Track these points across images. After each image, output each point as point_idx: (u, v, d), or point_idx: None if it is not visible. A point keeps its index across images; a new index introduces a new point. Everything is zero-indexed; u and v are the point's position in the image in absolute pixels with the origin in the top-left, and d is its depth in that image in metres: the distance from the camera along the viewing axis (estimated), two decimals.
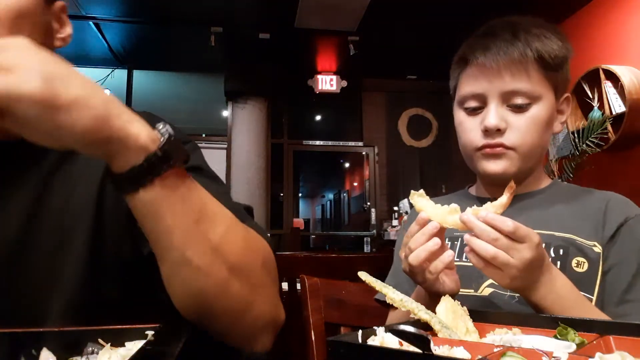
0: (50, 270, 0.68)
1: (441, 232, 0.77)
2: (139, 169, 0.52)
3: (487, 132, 0.92)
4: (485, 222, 0.71)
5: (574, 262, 0.87)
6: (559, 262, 0.87)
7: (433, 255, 0.76)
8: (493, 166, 0.93)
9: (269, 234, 0.72)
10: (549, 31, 0.94)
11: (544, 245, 0.88)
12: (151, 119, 0.56)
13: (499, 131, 0.91)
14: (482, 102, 0.94)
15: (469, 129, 0.96)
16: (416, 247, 0.76)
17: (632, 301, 0.82)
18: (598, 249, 0.88)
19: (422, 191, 0.81)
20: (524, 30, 0.92)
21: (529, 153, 0.93)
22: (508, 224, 0.70)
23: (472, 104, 0.95)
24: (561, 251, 0.88)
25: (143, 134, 0.53)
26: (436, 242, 0.75)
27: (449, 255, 0.76)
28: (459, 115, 0.99)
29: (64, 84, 0.47)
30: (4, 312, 0.67)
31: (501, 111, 0.92)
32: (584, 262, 0.87)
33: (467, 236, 0.74)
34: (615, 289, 0.84)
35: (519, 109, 0.91)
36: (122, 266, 0.72)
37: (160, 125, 0.55)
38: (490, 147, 0.93)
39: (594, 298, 0.85)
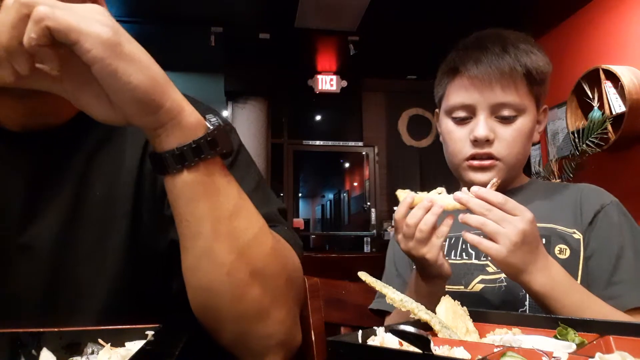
0: (92, 262, 0.68)
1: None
2: (187, 147, 0.54)
3: (477, 142, 0.95)
4: (478, 196, 0.76)
5: (556, 250, 0.91)
6: None
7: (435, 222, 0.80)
8: (480, 177, 0.97)
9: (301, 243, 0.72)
10: (534, 47, 0.99)
11: None
12: (195, 104, 0.59)
13: (488, 141, 0.95)
14: (471, 113, 0.97)
15: (458, 139, 0.99)
16: (416, 221, 0.79)
17: (620, 282, 0.86)
18: (578, 235, 0.92)
19: (407, 190, 0.86)
20: (512, 45, 0.96)
21: (514, 163, 0.98)
22: (499, 197, 0.75)
23: (461, 114, 0.98)
24: (544, 240, 0.92)
25: (194, 115, 0.56)
26: (440, 205, 0.80)
27: (449, 221, 0.81)
28: (447, 124, 1.02)
29: (129, 41, 0.51)
30: (46, 305, 0.67)
31: (490, 122, 0.95)
32: (565, 249, 0.91)
33: (461, 215, 0.78)
34: (601, 272, 0.88)
35: (506, 121, 0.95)
36: (158, 257, 0.72)
37: (211, 116, 0.58)
38: (478, 158, 0.97)
39: (578, 282, 0.88)
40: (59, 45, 0.48)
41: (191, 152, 0.54)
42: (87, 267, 0.68)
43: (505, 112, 0.95)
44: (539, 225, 0.92)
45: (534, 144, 1.06)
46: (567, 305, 0.75)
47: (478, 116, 0.96)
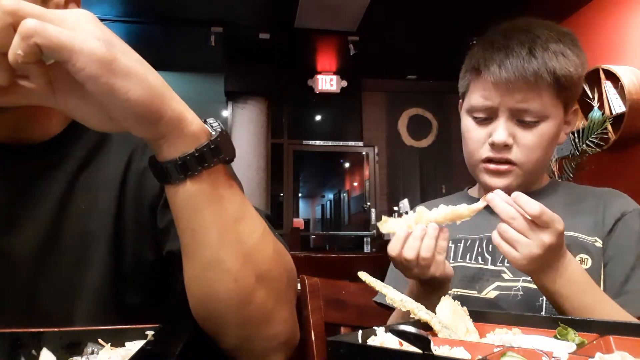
0: (74, 275, 0.68)
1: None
2: (190, 157, 0.52)
3: (494, 146, 0.92)
4: (515, 201, 0.72)
5: (577, 260, 0.86)
6: None
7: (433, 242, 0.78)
8: (496, 182, 0.93)
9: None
10: (567, 45, 0.91)
11: None
12: None
13: (506, 146, 0.91)
14: (492, 114, 0.93)
15: (476, 139, 0.95)
16: (415, 252, 0.77)
17: (630, 292, 0.83)
18: (599, 243, 0.89)
19: (384, 217, 0.83)
20: (541, 47, 0.90)
21: (533, 169, 0.94)
22: (535, 207, 0.70)
23: (481, 115, 0.94)
24: None
25: (196, 122, 0.53)
26: (433, 226, 0.78)
27: (445, 234, 0.79)
28: (467, 123, 0.97)
29: (123, 52, 0.47)
30: (28, 316, 0.67)
31: (510, 126, 0.91)
32: (587, 259, 0.88)
33: (489, 195, 0.75)
34: (613, 280, 0.86)
35: (528, 125, 0.91)
36: (142, 269, 0.71)
37: (212, 120, 0.56)
38: (495, 162, 0.93)
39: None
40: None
41: (194, 162, 0.52)
42: (68, 277, 0.68)
43: (527, 118, 0.90)
44: None
45: (557, 144, 1.01)
46: (577, 306, 0.74)
47: (498, 119, 0.92)
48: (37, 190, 0.69)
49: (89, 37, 0.45)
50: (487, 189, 0.97)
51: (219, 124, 0.56)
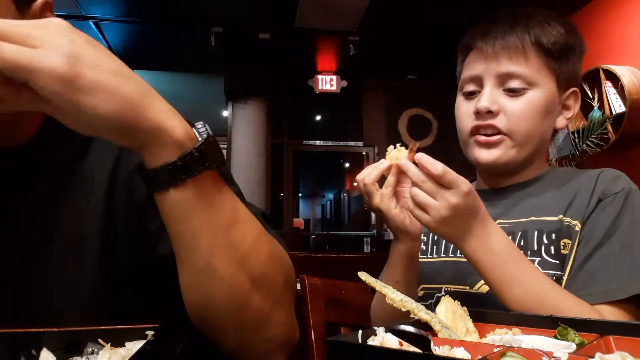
0: (64, 279, 0.67)
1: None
2: (172, 166, 0.51)
3: (479, 114, 0.91)
4: (419, 163, 0.74)
5: (561, 245, 0.86)
6: (552, 247, 0.86)
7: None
8: (486, 155, 0.92)
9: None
10: (555, 20, 0.93)
11: (536, 232, 0.88)
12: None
13: (492, 114, 0.90)
14: (479, 86, 0.93)
15: (463, 113, 0.95)
16: (362, 176, 0.85)
17: (584, 271, 0.81)
18: (578, 227, 0.85)
19: (389, 148, 0.87)
20: (525, 17, 0.92)
21: (524, 140, 0.91)
22: (437, 167, 0.72)
23: (470, 87, 0.94)
24: (553, 236, 0.87)
25: (179, 129, 0.51)
26: (386, 160, 0.83)
27: (395, 170, 0.82)
28: (458, 101, 0.98)
29: (91, 66, 0.46)
30: (19, 322, 0.67)
31: (496, 94, 0.90)
32: (569, 244, 0.85)
33: (403, 163, 0.79)
34: (576, 260, 0.83)
35: (515, 93, 0.90)
36: (135, 271, 0.70)
37: (199, 125, 0.54)
38: (482, 131, 0.92)
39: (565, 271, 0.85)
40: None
41: (178, 171, 0.51)
42: (60, 279, 0.67)
43: (514, 84, 0.89)
44: (549, 219, 0.88)
45: (556, 131, 0.98)
46: (499, 275, 0.75)
47: (484, 88, 0.91)
48: (23, 193, 0.68)
49: (51, 53, 0.44)
50: (479, 165, 0.96)
51: (206, 129, 0.54)
